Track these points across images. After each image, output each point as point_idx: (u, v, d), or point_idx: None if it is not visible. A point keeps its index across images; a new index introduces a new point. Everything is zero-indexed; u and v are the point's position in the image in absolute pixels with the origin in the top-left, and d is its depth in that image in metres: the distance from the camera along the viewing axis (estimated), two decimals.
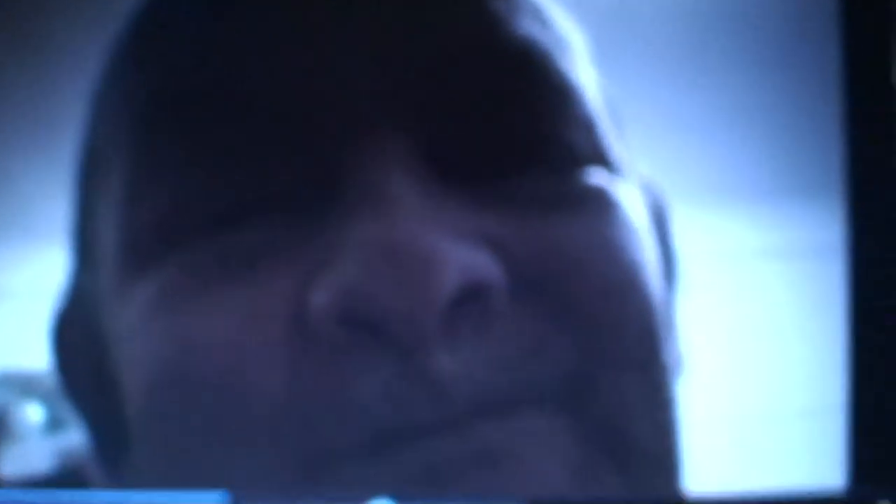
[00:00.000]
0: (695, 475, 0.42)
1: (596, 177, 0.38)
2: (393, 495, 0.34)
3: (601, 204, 0.38)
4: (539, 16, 0.39)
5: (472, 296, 0.34)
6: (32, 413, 0.52)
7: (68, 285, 0.42)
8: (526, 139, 0.38)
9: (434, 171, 0.36)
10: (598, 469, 0.36)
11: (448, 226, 0.35)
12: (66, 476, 0.50)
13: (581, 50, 0.41)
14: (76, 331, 0.41)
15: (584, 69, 0.40)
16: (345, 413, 0.34)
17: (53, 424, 0.51)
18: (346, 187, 0.36)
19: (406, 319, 0.33)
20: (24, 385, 0.51)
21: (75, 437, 0.49)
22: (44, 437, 0.51)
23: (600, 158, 0.39)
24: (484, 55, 0.38)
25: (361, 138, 0.36)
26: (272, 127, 0.36)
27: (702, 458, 0.43)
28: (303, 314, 0.35)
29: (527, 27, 0.38)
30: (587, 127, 0.39)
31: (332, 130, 0.36)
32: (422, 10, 0.37)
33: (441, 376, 0.34)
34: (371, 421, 0.34)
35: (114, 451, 0.41)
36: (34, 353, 0.49)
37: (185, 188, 0.36)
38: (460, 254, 0.34)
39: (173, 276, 0.36)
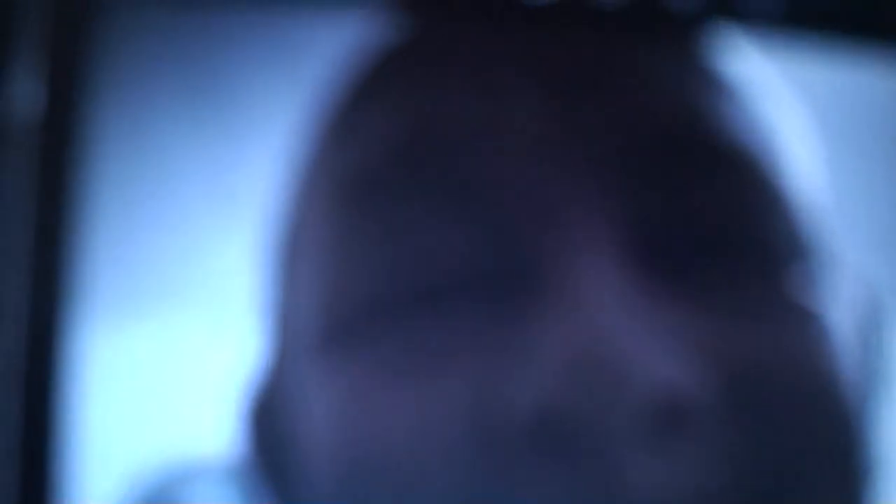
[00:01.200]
0: None
1: (805, 284, 0.35)
2: None
3: (809, 321, 0.35)
4: (757, 107, 0.37)
5: (674, 412, 0.31)
6: (217, 495, 0.50)
7: (260, 371, 0.41)
8: (734, 240, 0.35)
9: (642, 264, 0.34)
10: None
11: (653, 327, 0.32)
12: None
13: (801, 137, 0.39)
14: (266, 419, 0.40)
15: (803, 160, 0.38)
16: None
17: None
18: (545, 275, 0.33)
19: (601, 427, 0.30)
20: (193, 470, 0.49)
21: None
22: None
23: (811, 258, 0.36)
24: (696, 147, 0.35)
25: (564, 224, 0.33)
26: (474, 210, 0.34)
27: None
28: (489, 418, 0.32)
29: (746, 120, 0.36)
30: (799, 227, 0.36)
31: (533, 218, 0.34)
32: (629, 94, 0.35)
33: (639, 487, 0.31)
34: None
35: None
36: (210, 438, 0.48)
37: (379, 273, 0.34)
38: (665, 360, 0.31)
39: (362, 368, 0.35)
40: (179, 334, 0.48)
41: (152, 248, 0.46)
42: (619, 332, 0.31)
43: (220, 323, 0.46)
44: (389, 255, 0.35)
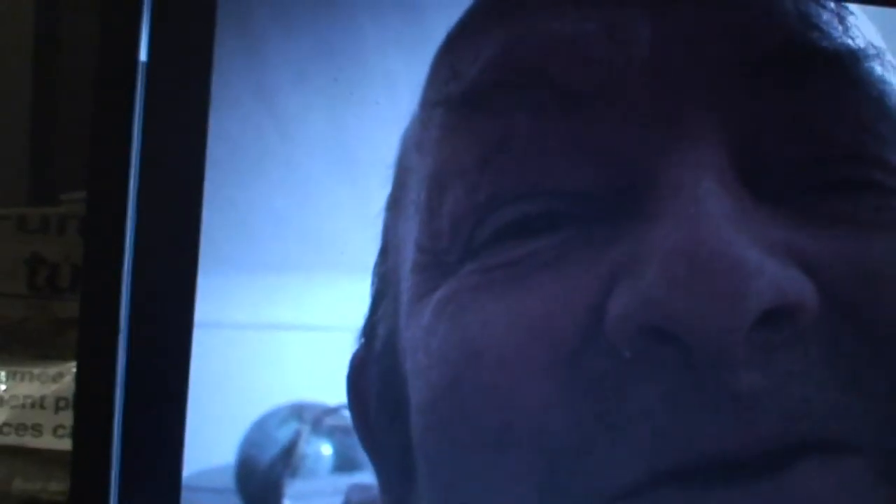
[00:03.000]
0: None
1: None
2: None
3: None
4: (875, 43, 0.37)
5: (783, 315, 0.32)
6: (324, 449, 0.51)
7: (366, 325, 0.41)
8: (849, 157, 0.35)
9: (746, 179, 0.34)
10: None
11: (759, 238, 0.32)
12: None
13: None
14: (371, 372, 0.41)
15: None
16: (629, 433, 0.31)
17: (345, 463, 0.51)
18: (651, 189, 0.34)
19: (710, 335, 0.30)
20: (317, 419, 0.50)
21: (366, 478, 0.48)
22: (333, 476, 0.51)
23: None
24: (815, 62, 0.35)
25: (671, 138, 0.34)
26: (575, 122, 0.35)
27: None
28: (598, 325, 0.31)
29: (865, 46, 0.36)
30: None
31: (640, 129, 0.35)
32: (747, 10, 0.35)
33: (748, 393, 0.31)
34: (658, 445, 0.31)
35: (402, 489, 0.40)
36: (333, 388, 0.48)
37: (484, 191, 0.34)
38: (773, 269, 0.31)
39: (462, 281, 0.35)
40: (294, 293, 0.49)
41: (268, 199, 0.47)
42: (730, 238, 0.30)
43: (336, 284, 0.47)
44: (498, 169, 0.35)
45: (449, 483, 0.36)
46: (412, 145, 0.40)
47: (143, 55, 0.43)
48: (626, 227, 0.33)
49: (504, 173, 0.35)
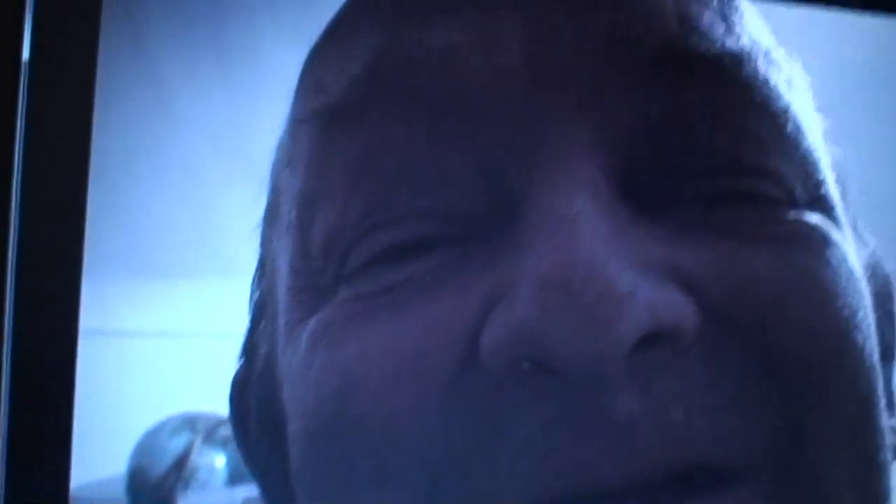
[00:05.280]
0: None
1: (812, 219, 0.33)
2: None
3: (815, 243, 0.33)
4: (761, 42, 0.35)
5: (661, 338, 0.30)
6: (218, 461, 0.50)
7: (246, 343, 0.40)
8: (733, 167, 0.33)
9: (624, 193, 0.33)
10: None
11: (635, 258, 0.30)
12: None
13: (806, 91, 0.37)
14: (251, 393, 0.39)
15: (808, 110, 0.36)
16: (508, 461, 0.30)
17: (239, 475, 0.49)
18: (525, 209, 0.32)
19: (586, 364, 0.29)
20: (210, 430, 0.49)
21: (256, 490, 0.47)
22: (227, 488, 0.49)
23: (820, 208, 0.34)
24: (696, 67, 0.33)
25: (545, 154, 0.32)
26: (446, 138, 0.33)
27: None
28: (475, 353, 0.30)
29: (750, 47, 0.34)
30: (807, 168, 0.34)
31: (513, 144, 0.32)
32: (624, 13, 0.33)
33: (628, 421, 0.29)
34: (537, 474, 0.30)
35: None
36: (227, 398, 0.47)
37: (354, 212, 0.33)
38: (648, 290, 0.29)
39: (337, 309, 0.33)
40: (185, 299, 0.47)
41: (158, 199, 0.46)
42: (604, 261, 0.29)
43: (228, 290, 0.46)
44: (368, 189, 0.34)
45: None
46: (283, 161, 0.38)
47: (25, 53, 0.41)
48: (502, 249, 0.32)
49: (374, 193, 0.34)
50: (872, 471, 0.34)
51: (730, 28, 0.34)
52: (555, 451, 0.30)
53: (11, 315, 0.40)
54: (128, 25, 0.43)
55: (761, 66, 0.35)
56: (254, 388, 0.41)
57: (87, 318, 0.42)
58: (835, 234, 0.34)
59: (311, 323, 0.35)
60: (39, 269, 0.41)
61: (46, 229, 0.41)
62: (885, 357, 0.38)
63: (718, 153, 0.34)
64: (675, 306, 0.30)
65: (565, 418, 0.30)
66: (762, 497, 0.31)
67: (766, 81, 0.35)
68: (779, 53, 0.36)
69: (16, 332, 0.41)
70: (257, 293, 0.41)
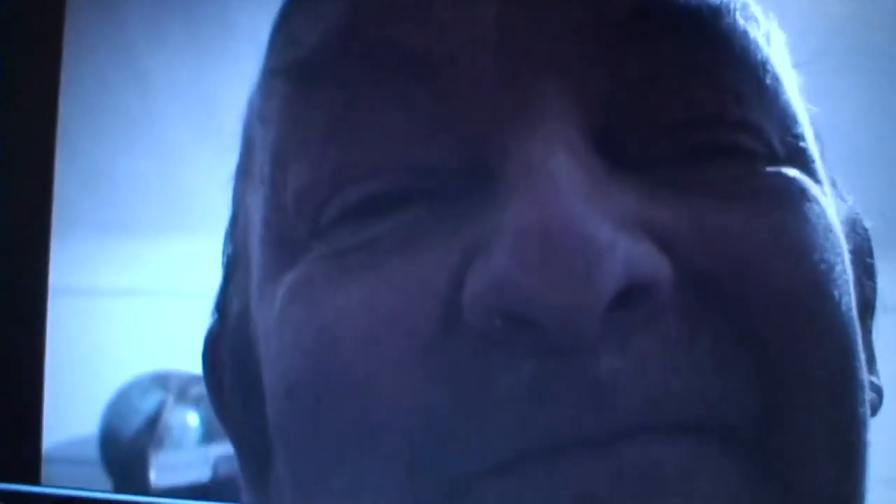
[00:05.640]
0: None
1: (790, 173, 0.33)
2: None
3: (792, 198, 0.33)
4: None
5: (637, 294, 0.29)
6: (191, 419, 0.50)
7: (219, 298, 0.40)
8: (711, 120, 0.33)
9: (601, 148, 0.32)
10: None
11: (612, 213, 0.30)
12: (219, 487, 0.48)
13: (783, 47, 0.36)
14: (224, 349, 0.39)
15: (786, 65, 0.35)
16: (491, 419, 0.30)
17: (212, 434, 0.49)
18: (503, 164, 0.31)
19: (564, 317, 0.29)
20: (182, 388, 0.49)
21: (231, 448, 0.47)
22: (201, 447, 0.49)
23: (798, 163, 0.33)
24: (673, 18, 0.33)
25: (522, 109, 0.32)
26: (421, 93, 0.32)
27: None
28: (456, 309, 0.30)
29: (728, 0, 0.34)
30: (786, 122, 0.34)
31: (490, 99, 0.32)
32: None
33: (605, 376, 0.29)
34: (521, 430, 0.30)
35: (260, 469, 0.38)
36: (199, 356, 0.47)
37: (328, 166, 0.33)
38: (625, 245, 0.29)
39: (312, 266, 0.33)
40: (155, 257, 0.47)
41: (128, 159, 0.45)
42: (582, 214, 0.29)
43: (198, 248, 0.46)
44: (342, 143, 0.33)
45: (311, 469, 0.35)
46: (255, 115, 0.38)
47: None
48: (480, 204, 0.32)
49: (348, 147, 0.33)
50: (852, 426, 0.34)
51: None
52: (536, 408, 0.31)
53: None
54: None
55: (739, 19, 0.35)
56: (227, 343, 0.41)
57: (58, 276, 0.42)
58: (813, 189, 0.34)
59: (286, 279, 0.35)
60: (9, 229, 0.41)
61: (16, 190, 0.41)
62: (865, 313, 0.39)
63: (697, 106, 0.33)
64: (651, 260, 0.30)
65: (547, 375, 0.31)
66: (743, 455, 0.32)
67: (745, 34, 0.35)
68: (756, 9, 0.36)
69: None
70: (230, 248, 0.41)
